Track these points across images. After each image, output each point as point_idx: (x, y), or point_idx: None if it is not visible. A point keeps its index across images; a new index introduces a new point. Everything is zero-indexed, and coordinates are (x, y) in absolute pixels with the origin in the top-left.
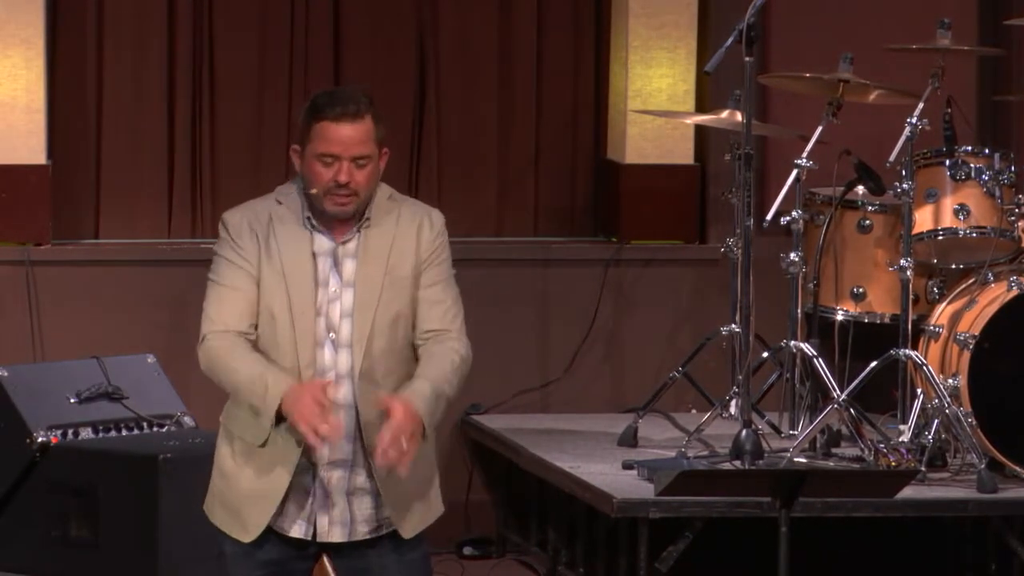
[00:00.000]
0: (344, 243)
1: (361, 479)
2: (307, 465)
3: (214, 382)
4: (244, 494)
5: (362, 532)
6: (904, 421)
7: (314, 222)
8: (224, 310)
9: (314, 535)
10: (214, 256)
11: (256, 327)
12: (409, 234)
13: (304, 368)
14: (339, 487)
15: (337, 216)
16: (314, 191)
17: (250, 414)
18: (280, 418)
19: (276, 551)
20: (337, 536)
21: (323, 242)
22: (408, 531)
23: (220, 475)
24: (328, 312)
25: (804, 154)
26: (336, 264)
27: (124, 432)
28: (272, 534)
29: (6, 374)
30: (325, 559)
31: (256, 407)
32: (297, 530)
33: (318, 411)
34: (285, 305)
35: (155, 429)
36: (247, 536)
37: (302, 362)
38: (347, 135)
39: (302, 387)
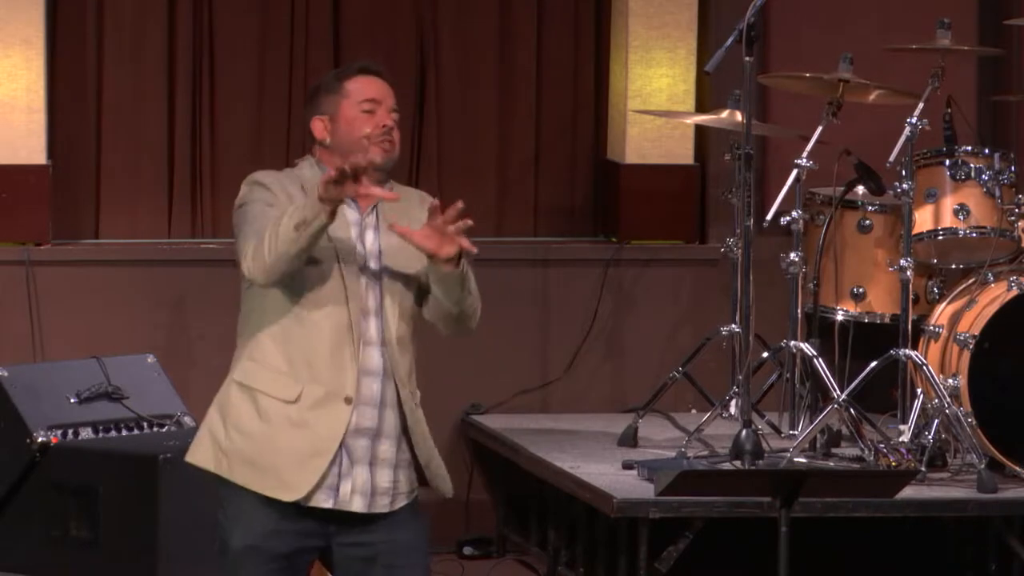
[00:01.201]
0: (366, 215)
1: (383, 448)
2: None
3: (277, 268)
4: (286, 453)
5: (380, 504)
6: (904, 421)
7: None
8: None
9: (336, 503)
10: (241, 208)
11: None
12: (416, 207)
13: (355, 324)
14: (363, 456)
15: (384, 166)
16: (366, 131)
17: (273, 368)
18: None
19: (287, 542)
20: (357, 506)
21: (350, 213)
22: (448, 489)
23: (241, 434)
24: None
25: (804, 154)
26: (361, 234)
27: (124, 432)
28: (290, 511)
29: (6, 374)
30: (319, 564)
31: (301, 221)
32: (323, 499)
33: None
34: (335, 263)
35: (155, 429)
36: (290, 495)
37: (353, 319)
38: (382, 86)
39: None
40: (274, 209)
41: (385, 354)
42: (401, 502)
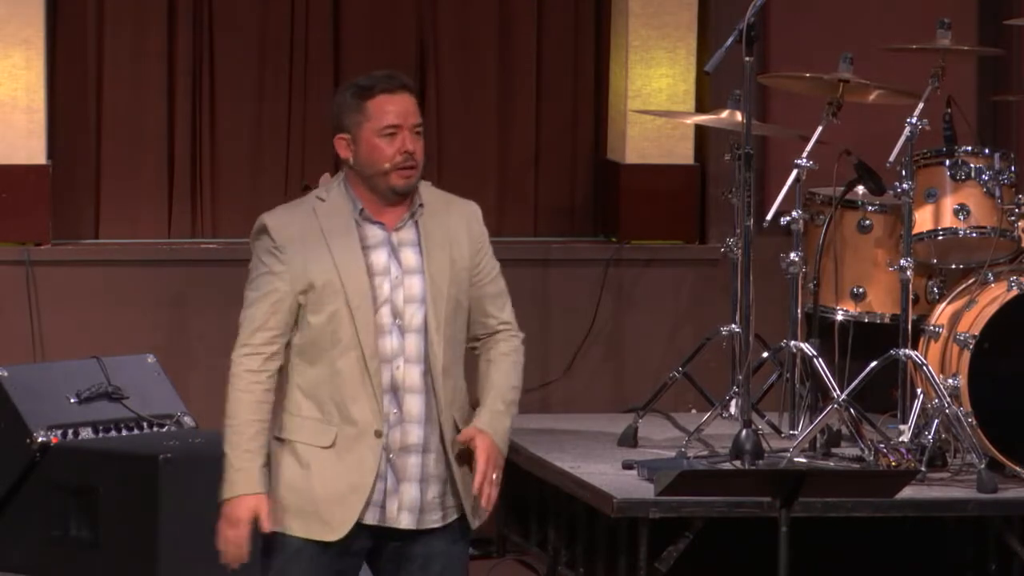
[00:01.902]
0: (397, 230)
1: (433, 465)
2: (381, 451)
3: None
4: (324, 496)
5: (431, 520)
6: (904, 421)
7: (367, 213)
8: (256, 325)
9: (383, 520)
10: (252, 259)
11: (283, 334)
12: (461, 224)
13: (369, 359)
14: (412, 473)
15: (405, 191)
16: (385, 167)
17: (306, 417)
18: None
19: (335, 548)
20: (405, 522)
21: (376, 232)
22: (476, 519)
23: (288, 488)
24: (392, 299)
25: (804, 154)
26: (394, 252)
27: (124, 432)
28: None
29: (6, 374)
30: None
31: (223, 472)
32: (370, 516)
33: (243, 544)
34: (342, 300)
35: (155, 429)
36: (333, 534)
37: (366, 353)
38: (404, 104)
39: (246, 510)
40: (278, 280)
41: (427, 373)
42: (453, 516)
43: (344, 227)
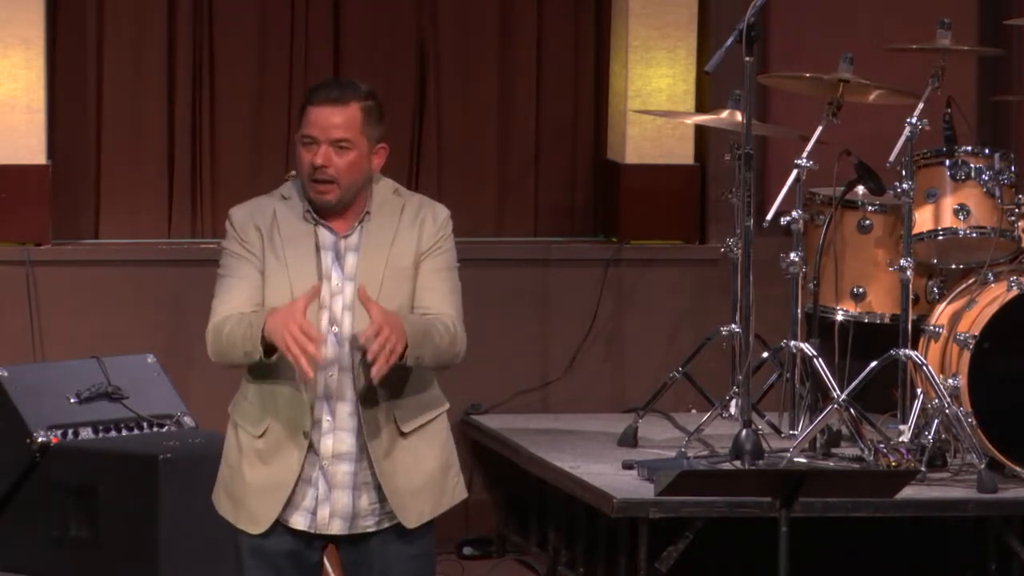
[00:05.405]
0: (346, 237)
1: (366, 473)
2: (313, 458)
3: (226, 365)
4: (250, 486)
5: (363, 525)
6: (904, 421)
7: (315, 216)
8: (228, 298)
9: (314, 526)
10: (221, 251)
11: (255, 310)
12: (412, 226)
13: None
14: (344, 481)
15: (320, 205)
16: (294, 173)
17: (250, 402)
18: (270, 350)
19: (287, 543)
20: (337, 528)
21: (326, 236)
22: (412, 521)
23: (227, 465)
24: (331, 306)
25: (804, 154)
26: (338, 258)
27: (124, 432)
28: (280, 526)
29: (6, 374)
30: (331, 548)
31: (248, 351)
32: (300, 521)
33: (303, 335)
34: (288, 299)
35: (155, 429)
36: (256, 528)
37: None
38: (326, 117)
39: (284, 312)
40: (246, 263)
41: (356, 383)
42: (388, 522)
43: (300, 228)
